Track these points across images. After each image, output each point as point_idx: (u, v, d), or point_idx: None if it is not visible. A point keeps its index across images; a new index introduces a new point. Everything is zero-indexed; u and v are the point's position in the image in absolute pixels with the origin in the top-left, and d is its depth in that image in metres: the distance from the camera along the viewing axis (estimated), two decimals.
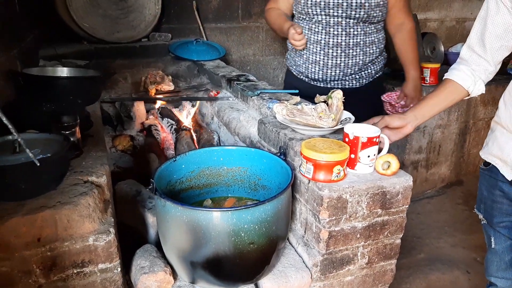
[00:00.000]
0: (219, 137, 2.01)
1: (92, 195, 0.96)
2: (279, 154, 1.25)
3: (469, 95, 1.30)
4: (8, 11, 1.69)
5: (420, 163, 2.78)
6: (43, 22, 2.41)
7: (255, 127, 1.59)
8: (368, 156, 1.16)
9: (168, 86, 2.19)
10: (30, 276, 0.91)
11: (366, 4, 1.67)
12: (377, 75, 1.91)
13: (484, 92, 1.30)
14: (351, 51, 1.76)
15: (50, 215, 0.90)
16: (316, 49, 1.79)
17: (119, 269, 1.00)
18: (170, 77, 2.27)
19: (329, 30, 1.73)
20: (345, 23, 1.71)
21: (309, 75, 1.85)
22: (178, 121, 2.13)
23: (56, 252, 0.92)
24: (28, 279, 0.91)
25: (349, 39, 1.74)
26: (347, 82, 1.84)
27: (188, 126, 2.10)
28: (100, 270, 0.97)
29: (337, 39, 1.74)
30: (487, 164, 1.33)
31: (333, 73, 1.80)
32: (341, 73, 1.80)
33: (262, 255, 1.05)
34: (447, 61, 3.19)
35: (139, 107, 2.08)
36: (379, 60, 1.88)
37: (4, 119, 0.80)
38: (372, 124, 1.29)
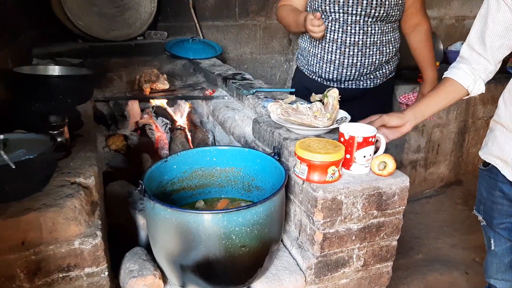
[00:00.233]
0: (214, 137, 1.99)
1: (79, 197, 0.93)
2: (273, 154, 1.22)
3: (468, 94, 1.28)
4: (0, 8, 1.67)
5: (419, 162, 2.76)
6: (38, 20, 2.38)
7: (250, 127, 1.56)
8: (364, 156, 1.14)
9: (163, 84, 2.16)
10: (14, 281, 0.88)
11: (387, 3, 1.64)
12: (391, 75, 1.88)
13: (484, 91, 1.27)
14: (368, 50, 1.72)
15: (35, 218, 0.87)
16: (332, 48, 1.74)
17: (106, 273, 0.97)
18: (165, 76, 2.24)
19: (346, 29, 1.69)
20: (363, 22, 1.68)
21: (323, 74, 1.81)
22: (172, 121, 2.10)
23: (41, 256, 0.89)
24: (11, 283, 0.88)
25: (367, 38, 1.71)
26: (361, 82, 1.80)
27: (183, 126, 2.07)
28: (87, 275, 0.95)
29: (355, 37, 1.70)
30: (486, 164, 1.30)
31: (348, 73, 1.76)
32: (357, 73, 1.76)
33: (254, 258, 1.02)
34: (447, 59, 3.16)
35: (133, 106, 2.06)
36: (393, 60, 1.85)
37: None
38: (370, 123, 1.26)
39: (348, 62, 1.74)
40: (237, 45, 2.96)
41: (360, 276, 1.22)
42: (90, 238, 0.93)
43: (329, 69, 1.78)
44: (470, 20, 3.57)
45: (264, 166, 1.23)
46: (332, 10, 1.68)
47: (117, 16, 2.45)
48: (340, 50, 1.73)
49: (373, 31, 1.70)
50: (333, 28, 1.72)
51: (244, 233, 0.96)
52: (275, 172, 1.17)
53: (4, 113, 1.21)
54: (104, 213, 1.21)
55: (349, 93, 1.79)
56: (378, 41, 1.73)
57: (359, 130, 1.15)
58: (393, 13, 1.69)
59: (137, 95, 2.19)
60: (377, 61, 1.75)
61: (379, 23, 1.70)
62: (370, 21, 1.68)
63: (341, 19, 1.69)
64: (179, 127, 2.07)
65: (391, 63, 1.84)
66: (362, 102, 1.81)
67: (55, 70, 1.51)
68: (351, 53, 1.72)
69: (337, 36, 1.72)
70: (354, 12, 1.66)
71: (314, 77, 1.86)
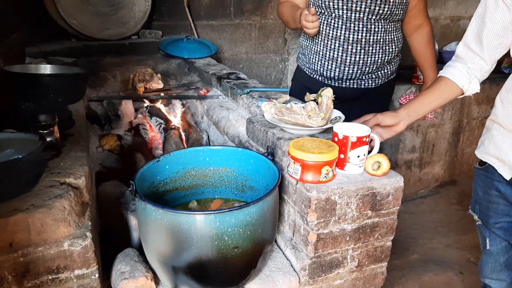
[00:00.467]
0: (208, 137, 1.97)
1: (68, 197, 0.91)
2: (266, 154, 1.21)
3: (463, 93, 1.27)
4: None
5: (414, 162, 2.76)
6: (31, 19, 2.36)
7: (244, 126, 1.55)
8: (358, 156, 1.13)
9: (157, 84, 2.15)
10: (2, 283, 0.86)
11: (391, 1, 1.63)
12: (392, 76, 1.86)
13: (478, 90, 1.27)
14: (371, 48, 1.71)
15: (23, 219, 0.86)
16: (335, 45, 1.72)
17: (97, 275, 0.95)
18: (159, 75, 2.23)
19: (350, 26, 1.68)
20: (367, 19, 1.66)
21: (325, 73, 1.78)
22: (167, 120, 2.08)
23: (30, 258, 0.88)
24: None
25: (370, 36, 1.69)
26: (363, 82, 1.78)
27: (177, 125, 2.06)
28: (77, 276, 0.93)
29: (358, 35, 1.68)
30: (482, 163, 1.29)
31: (350, 71, 1.74)
32: (359, 71, 1.74)
33: (247, 259, 1.01)
34: (442, 59, 3.17)
35: (127, 106, 2.04)
36: (395, 60, 1.84)
37: None
38: (364, 122, 1.25)
39: (350, 60, 1.72)
40: (232, 45, 2.94)
41: (355, 277, 1.21)
42: (80, 239, 0.91)
43: (331, 66, 1.75)
44: (465, 20, 3.58)
45: (258, 166, 1.21)
46: (336, 7, 1.66)
47: (111, 15, 2.43)
48: (343, 48, 1.71)
49: (376, 29, 1.69)
50: (336, 25, 1.70)
51: (236, 234, 0.95)
52: (268, 172, 1.16)
53: None
54: (96, 214, 1.19)
55: (350, 93, 1.78)
56: (381, 40, 1.71)
57: (353, 129, 1.14)
58: (397, 12, 1.68)
59: (131, 94, 2.17)
60: (379, 60, 1.74)
61: (382, 21, 1.69)
62: (374, 19, 1.67)
63: (345, 16, 1.67)
64: (173, 127, 2.05)
65: (393, 63, 1.83)
66: (363, 103, 1.80)
67: (46, 69, 1.49)
68: (353, 50, 1.70)
69: (340, 33, 1.70)
70: (358, 9, 1.64)
71: (315, 76, 1.84)
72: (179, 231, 0.93)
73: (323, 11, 1.71)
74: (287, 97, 1.53)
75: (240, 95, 1.73)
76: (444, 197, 2.94)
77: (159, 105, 2.16)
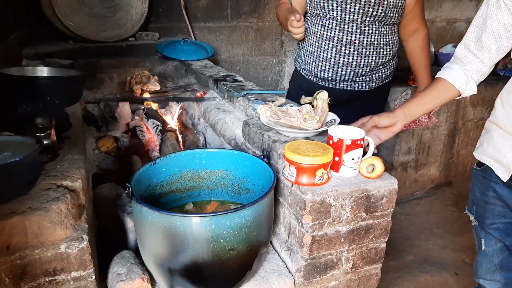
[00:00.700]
0: (205, 139, 1.98)
1: (65, 200, 0.92)
2: (262, 156, 1.22)
3: (460, 95, 1.28)
4: None
5: (409, 164, 2.77)
6: (28, 21, 2.36)
7: (240, 129, 1.56)
8: (353, 159, 1.14)
9: (154, 86, 2.15)
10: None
11: (385, 3, 1.64)
12: (387, 80, 1.87)
13: (475, 92, 1.27)
14: (364, 50, 1.72)
15: (20, 221, 0.87)
16: (329, 46, 1.73)
17: (93, 277, 0.96)
18: (156, 77, 2.23)
19: (343, 27, 1.69)
20: (361, 21, 1.68)
21: (319, 74, 1.80)
22: (164, 122, 2.09)
23: (27, 260, 0.89)
24: None
25: (363, 38, 1.70)
26: (357, 84, 1.80)
27: (174, 127, 2.07)
28: (73, 279, 0.94)
29: (351, 36, 1.70)
30: (480, 164, 1.30)
31: (344, 72, 1.75)
32: (352, 73, 1.75)
33: (242, 261, 1.02)
34: (438, 62, 3.18)
35: (124, 108, 2.05)
36: (390, 64, 1.85)
37: None
38: (361, 125, 1.26)
39: (343, 61, 1.73)
40: (229, 47, 2.95)
41: (349, 278, 1.22)
42: (77, 242, 0.92)
43: (325, 67, 1.77)
44: (461, 23, 3.60)
45: (254, 169, 1.22)
46: (330, 8, 1.68)
47: (108, 17, 2.44)
48: (336, 49, 1.73)
49: (370, 31, 1.70)
50: (330, 26, 1.71)
51: (232, 236, 0.96)
52: (264, 174, 1.17)
53: None
54: (92, 216, 1.20)
55: (343, 95, 1.79)
56: (375, 42, 1.72)
57: (347, 132, 1.16)
58: (392, 15, 1.69)
59: (128, 96, 2.18)
60: (373, 62, 1.75)
61: (377, 23, 1.70)
62: (368, 21, 1.68)
63: (339, 17, 1.69)
64: (170, 129, 2.06)
65: (388, 66, 1.83)
66: (357, 105, 1.81)
67: (43, 71, 1.49)
68: (347, 51, 1.72)
69: (334, 34, 1.71)
70: (352, 10, 1.66)
71: (310, 77, 1.86)
72: (175, 234, 0.94)
73: (318, 12, 1.73)
74: (283, 100, 1.54)
75: (237, 98, 1.74)
76: (440, 198, 2.96)
77: (156, 107, 2.17)
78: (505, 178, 1.21)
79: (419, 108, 1.29)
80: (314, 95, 1.36)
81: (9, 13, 2.03)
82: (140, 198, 1.00)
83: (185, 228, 0.93)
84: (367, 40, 1.71)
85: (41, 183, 0.98)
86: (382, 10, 1.64)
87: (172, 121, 2.13)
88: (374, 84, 1.81)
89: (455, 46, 3.31)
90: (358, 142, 1.13)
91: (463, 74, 1.23)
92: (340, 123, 1.35)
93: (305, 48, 1.84)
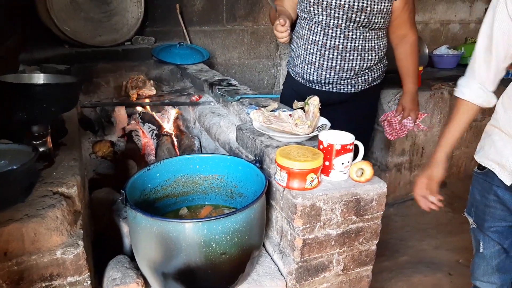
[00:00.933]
0: (200, 143, 2.01)
1: (61, 207, 0.95)
2: (254, 161, 1.24)
3: (482, 108, 1.30)
4: None
5: (404, 165, 2.80)
6: (24, 26, 2.38)
7: (234, 133, 1.58)
8: (342, 163, 1.17)
9: (150, 90, 2.18)
10: None
11: (368, 9, 1.66)
12: (375, 83, 1.89)
13: (496, 102, 1.28)
14: (348, 54, 1.74)
15: (17, 228, 0.89)
16: (313, 50, 1.77)
17: (89, 282, 0.99)
18: (152, 82, 2.26)
19: (328, 32, 1.72)
20: (345, 26, 1.70)
21: (305, 76, 1.83)
22: (159, 126, 2.11)
23: (23, 266, 0.91)
24: None
25: (347, 43, 1.73)
26: (342, 87, 1.82)
27: (169, 132, 2.09)
28: (69, 284, 0.96)
29: (335, 41, 1.73)
30: (482, 168, 1.32)
31: (328, 75, 1.78)
32: (336, 76, 1.78)
33: (235, 265, 1.05)
34: (432, 63, 3.21)
35: (120, 112, 2.07)
36: (377, 67, 1.86)
37: None
38: (424, 186, 1.36)
39: (327, 64, 1.77)
40: (224, 50, 2.98)
41: (341, 280, 1.24)
42: (72, 247, 0.95)
43: (310, 70, 1.81)
44: (454, 24, 3.64)
45: (246, 174, 1.25)
46: (316, 12, 1.71)
47: (104, 22, 2.47)
48: (320, 53, 1.76)
49: (354, 36, 1.72)
50: (315, 30, 1.75)
51: (224, 240, 0.98)
52: (256, 179, 1.20)
53: None
54: (88, 222, 1.22)
55: (331, 96, 1.82)
56: (360, 47, 1.75)
57: (337, 137, 1.18)
58: (376, 20, 1.71)
59: (124, 101, 2.20)
60: (357, 67, 1.77)
61: (361, 28, 1.72)
62: (352, 26, 1.70)
63: (324, 22, 1.72)
64: (165, 133, 2.09)
65: (374, 70, 1.85)
66: (348, 106, 1.84)
67: (39, 78, 1.51)
68: (330, 56, 1.75)
69: (319, 38, 1.75)
70: (336, 15, 1.69)
71: (298, 78, 1.89)
72: (168, 239, 0.96)
73: (306, 15, 1.77)
74: (276, 105, 1.57)
75: (231, 102, 1.77)
76: None
77: (152, 111, 2.19)
78: (508, 182, 1.23)
79: (454, 135, 1.36)
80: (306, 100, 1.39)
81: (5, 18, 2.05)
82: (135, 203, 1.03)
83: (178, 233, 0.96)
84: (351, 45, 1.74)
85: (38, 190, 1.00)
86: (365, 16, 1.67)
87: (167, 125, 2.15)
88: (360, 86, 1.83)
89: (449, 48, 3.35)
90: (348, 147, 1.16)
91: (482, 93, 1.25)
92: (332, 125, 1.38)
93: (294, 50, 1.88)
